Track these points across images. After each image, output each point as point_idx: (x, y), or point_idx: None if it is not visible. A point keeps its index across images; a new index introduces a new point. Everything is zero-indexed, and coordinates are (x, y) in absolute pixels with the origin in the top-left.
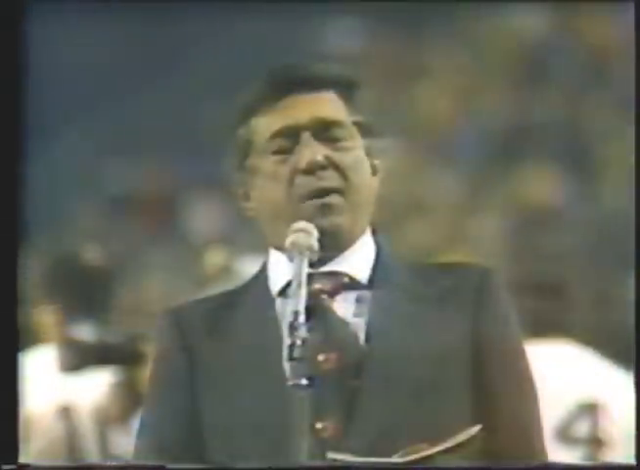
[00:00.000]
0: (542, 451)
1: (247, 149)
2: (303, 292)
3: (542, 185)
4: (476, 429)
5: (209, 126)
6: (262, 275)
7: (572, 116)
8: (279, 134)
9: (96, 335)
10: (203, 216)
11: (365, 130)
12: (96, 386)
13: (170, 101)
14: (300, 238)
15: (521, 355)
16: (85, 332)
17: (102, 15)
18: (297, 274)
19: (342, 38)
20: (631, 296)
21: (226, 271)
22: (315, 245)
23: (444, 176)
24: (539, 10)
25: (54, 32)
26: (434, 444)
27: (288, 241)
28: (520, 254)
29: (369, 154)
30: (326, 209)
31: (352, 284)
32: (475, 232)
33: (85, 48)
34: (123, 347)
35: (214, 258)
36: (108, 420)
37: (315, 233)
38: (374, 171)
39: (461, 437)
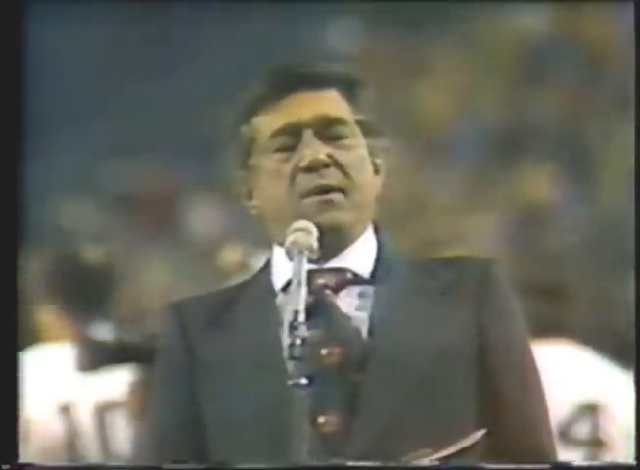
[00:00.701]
0: (550, 446)
1: (249, 147)
2: (303, 291)
3: (542, 185)
4: (480, 433)
5: (210, 126)
6: (266, 271)
7: (572, 115)
8: (281, 132)
9: (113, 333)
10: (204, 216)
11: (367, 129)
12: (96, 385)
13: (171, 101)
14: (300, 237)
15: (525, 347)
16: (102, 330)
17: (102, 15)
18: (297, 273)
19: (342, 38)
20: (631, 296)
21: (243, 268)
22: (315, 244)
23: (443, 175)
24: (539, 10)
25: (54, 32)
26: (438, 448)
27: (288, 240)
28: (519, 253)
29: (371, 153)
30: (327, 205)
31: (356, 279)
32: (474, 232)
33: (85, 48)
34: (141, 345)
35: (231, 254)
36: (120, 419)
37: (315, 232)
38: (376, 170)
39: (466, 441)
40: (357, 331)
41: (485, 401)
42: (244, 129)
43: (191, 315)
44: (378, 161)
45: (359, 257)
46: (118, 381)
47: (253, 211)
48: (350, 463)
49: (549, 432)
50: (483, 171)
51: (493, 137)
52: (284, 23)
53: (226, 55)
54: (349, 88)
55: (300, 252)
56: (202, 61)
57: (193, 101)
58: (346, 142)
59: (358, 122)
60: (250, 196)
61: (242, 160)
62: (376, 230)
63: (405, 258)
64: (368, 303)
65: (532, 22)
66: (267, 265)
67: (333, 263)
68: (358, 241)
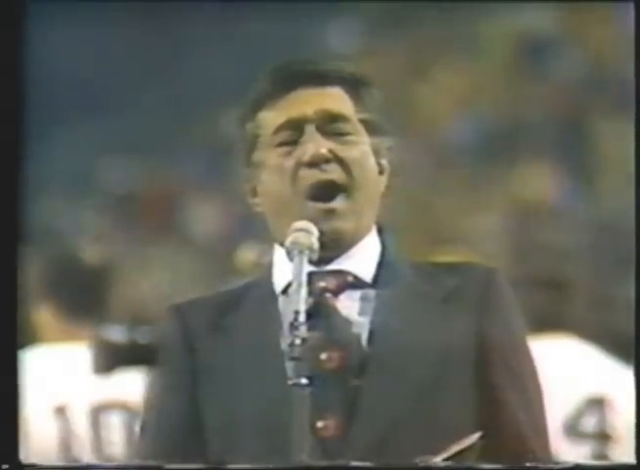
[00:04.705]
0: (548, 453)
1: (254, 144)
2: (303, 291)
3: (543, 184)
4: (476, 436)
5: (210, 126)
6: (268, 273)
7: (572, 115)
8: (284, 127)
9: (127, 335)
10: (205, 216)
11: (372, 128)
12: (92, 386)
13: (171, 100)
14: (301, 237)
15: (526, 356)
16: (116, 332)
17: (102, 15)
18: (298, 273)
19: (342, 38)
20: (631, 293)
21: (259, 267)
22: (315, 244)
23: (444, 175)
24: (539, 10)
25: (54, 32)
26: (436, 453)
27: (288, 240)
28: (521, 251)
29: (376, 152)
30: (330, 213)
31: (357, 283)
32: (475, 230)
33: (85, 48)
34: (153, 346)
35: (247, 254)
36: (122, 419)
37: (315, 232)
38: (381, 171)
39: (462, 444)
40: (357, 336)
41: (484, 408)
42: (248, 126)
43: (193, 318)
44: (382, 161)
45: (361, 259)
46: (114, 382)
47: (258, 209)
48: (350, 463)
49: (545, 440)
50: (484, 171)
51: (494, 137)
52: (284, 22)
53: (226, 55)
54: (354, 87)
55: (301, 252)
56: (202, 61)
57: (193, 101)
58: (349, 138)
59: (362, 121)
60: (254, 193)
61: (246, 157)
62: (380, 232)
63: (409, 262)
64: (369, 307)
65: (532, 22)
66: (269, 267)
67: (334, 266)
68: (361, 243)
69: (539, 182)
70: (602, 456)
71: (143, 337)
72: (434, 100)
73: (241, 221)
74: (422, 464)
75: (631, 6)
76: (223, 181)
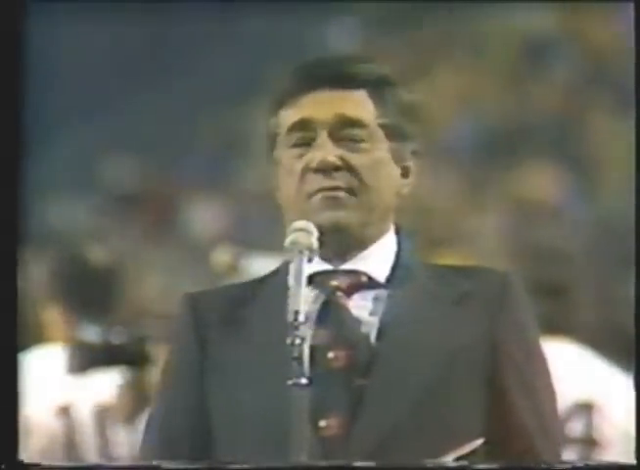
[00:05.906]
0: (555, 459)
1: (274, 141)
2: (303, 291)
3: (543, 184)
4: (479, 442)
5: (210, 126)
6: (283, 270)
7: (573, 115)
8: (296, 127)
9: (102, 336)
10: (204, 215)
11: (393, 133)
12: (96, 386)
13: (171, 100)
14: (300, 237)
15: (539, 360)
16: (91, 333)
17: (102, 14)
18: (297, 273)
19: (342, 38)
20: (632, 293)
21: (233, 270)
22: (315, 244)
23: (444, 175)
24: (539, 10)
25: (54, 32)
26: (437, 456)
27: (287, 240)
28: (521, 252)
29: (398, 156)
30: (331, 203)
31: (371, 283)
32: (474, 231)
33: (85, 48)
34: (130, 348)
35: (222, 256)
36: (113, 421)
37: (315, 232)
38: (404, 173)
39: (464, 449)
40: (366, 336)
41: (494, 411)
42: (270, 123)
43: (206, 309)
44: (407, 164)
45: (376, 260)
46: (116, 383)
47: (280, 202)
48: (352, 463)
49: (556, 444)
50: (485, 171)
51: (495, 137)
52: (284, 22)
53: (227, 54)
54: (379, 89)
55: (300, 252)
56: (202, 60)
57: (193, 101)
58: (362, 145)
59: (383, 126)
60: (277, 189)
61: (268, 154)
62: (397, 233)
63: (424, 264)
64: (381, 307)
65: (533, 22)
66: (285, 264)
67: (348, 265)
68: (376, 244)
69: (540, 182)
70: (591, 461)
71: (118, 338)
72: (434, 100)
73: (241, 221)
74: (425, 464)
75: (631, 6)
76: (223, 181)
